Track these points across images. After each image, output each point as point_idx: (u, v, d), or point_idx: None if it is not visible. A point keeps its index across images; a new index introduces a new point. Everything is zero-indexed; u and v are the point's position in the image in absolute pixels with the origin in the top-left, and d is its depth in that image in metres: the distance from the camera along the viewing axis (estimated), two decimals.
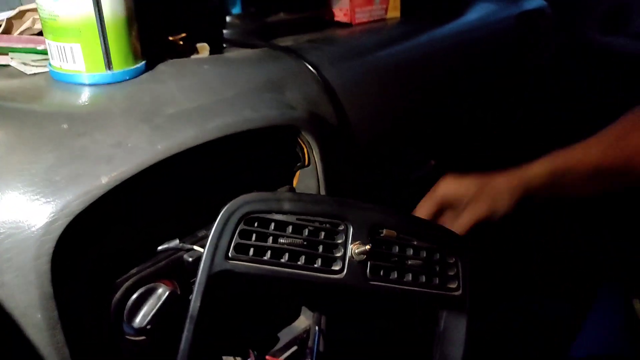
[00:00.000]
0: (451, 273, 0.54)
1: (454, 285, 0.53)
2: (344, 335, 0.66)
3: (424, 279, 0.52)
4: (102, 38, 0.47)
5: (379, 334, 0.60)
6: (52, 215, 0.39)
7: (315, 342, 0.69)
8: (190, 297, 0.45)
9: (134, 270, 0.48)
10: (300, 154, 0.60)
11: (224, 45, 0.67)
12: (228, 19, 0.70)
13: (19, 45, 0.52)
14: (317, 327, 0.63)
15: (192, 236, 0.53)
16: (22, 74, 0.52)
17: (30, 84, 0.50)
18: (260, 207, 0.47)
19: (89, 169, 0.42)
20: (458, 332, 0.53)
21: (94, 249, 0.46)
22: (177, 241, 0.51)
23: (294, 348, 0.66)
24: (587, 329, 0.66)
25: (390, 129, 0.75)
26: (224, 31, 0.68)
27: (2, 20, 0.54)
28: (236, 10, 0.71)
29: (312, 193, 0.60)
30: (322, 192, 0.61)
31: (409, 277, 0.51)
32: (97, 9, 0.46)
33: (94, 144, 0.44)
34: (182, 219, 0.52)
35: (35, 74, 0.52)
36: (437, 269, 0.53)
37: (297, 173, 0.62)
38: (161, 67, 0.55)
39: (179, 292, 0.50)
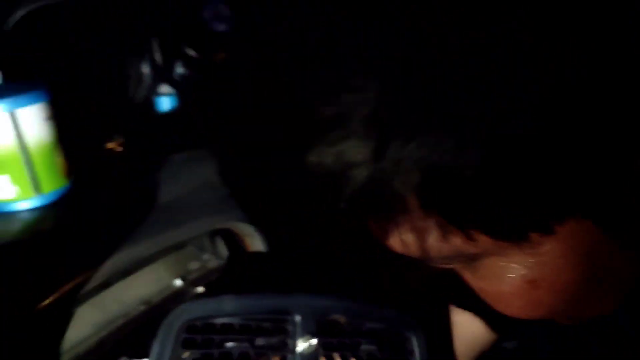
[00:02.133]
0: (407, 348, 0.54)
1: None
2: None
3: (379, 358, 0.52)
4: (27, 167, 0.48)
5: None
6: None
7: None
8: None
9: None
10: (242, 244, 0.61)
11: (162, 147, 0.68)
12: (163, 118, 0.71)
13: None
14: None
15: (141, 348, 0.52)
16: None
17: None
18: (200, 313, 0.47)
19: None
20: None
21: None
22: (124, 358, 0.50)
23: None
24: None
25: None
26: (163, 129, 0.70)
27: None
28: (172, 106, 0.73)
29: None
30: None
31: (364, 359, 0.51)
32: (19, 142, 0.47)
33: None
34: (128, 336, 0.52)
35: None
36: (392, 346, 0.53)
37: None
38: (93, 181, 0.56)
39: None
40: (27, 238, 0.48)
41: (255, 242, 0.58)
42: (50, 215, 0.50)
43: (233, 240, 0.60)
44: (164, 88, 0.71)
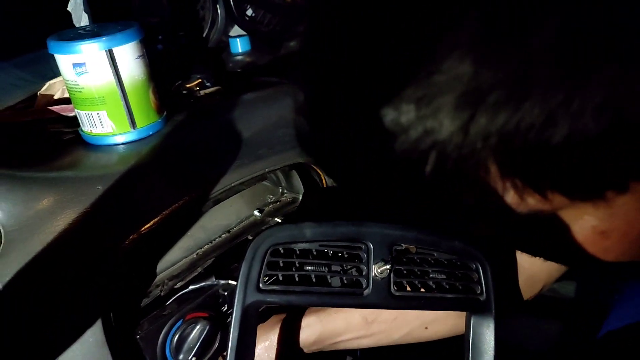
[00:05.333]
0: (474, 278, 0.56)
1: (477, 291, 0.55)
2: None
3: (447, 287, 0.54)
4: (124, 102, 0.52)
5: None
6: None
7: None
8: (228, 329, 0.49)
9: (176, 307, 0.52)
10: (317, 179, 0.63)
11: (236, 85, 0.71)
12: (239, 57, 0.74)
13: (52, 116, 0.58)
14: None
15: (226, 270, 0.57)
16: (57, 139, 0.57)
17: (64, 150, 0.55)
18: (284, 238, 0.51)
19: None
20: (486, 338, 0.55)
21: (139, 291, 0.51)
22: (213, 278, 0.56)
23: None
24: (625, 300, 0.65)
25: None
26: (237, 70, 0.73)
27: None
28: (245, 47, 0.75)
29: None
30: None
31: (432, 287, 0.54)
32: (117, 79, 0.50)
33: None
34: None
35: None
36: (459, 275, 0.55)
37: None
38: (180, 117, 0.60)
39: (218, 324, 0.54)
40: (123, 170, 0.52)
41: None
42: (145, 150, 0.54)
43: (309, 176, 0.63)
44: (236, 30, 0.73)
